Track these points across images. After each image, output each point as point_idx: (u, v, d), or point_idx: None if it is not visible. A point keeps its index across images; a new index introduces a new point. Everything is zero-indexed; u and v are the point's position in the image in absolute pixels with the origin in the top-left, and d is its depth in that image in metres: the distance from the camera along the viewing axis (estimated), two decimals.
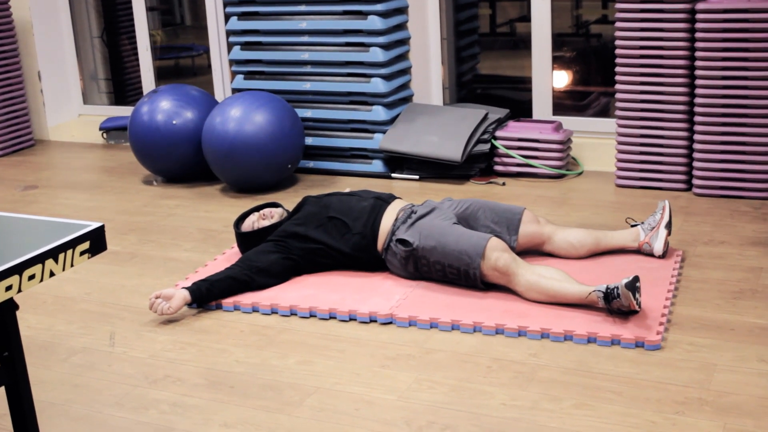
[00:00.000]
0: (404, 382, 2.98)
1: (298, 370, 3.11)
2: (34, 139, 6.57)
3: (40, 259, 2.20)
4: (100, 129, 6.47)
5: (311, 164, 5.46)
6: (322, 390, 2.96)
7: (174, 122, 5.20)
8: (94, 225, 2.37)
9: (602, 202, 4.66)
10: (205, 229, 4.55)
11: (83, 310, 3.69)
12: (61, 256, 2.25)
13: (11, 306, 2.31)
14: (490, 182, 5.05)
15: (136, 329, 3.48)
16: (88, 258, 2.35)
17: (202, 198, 5.08)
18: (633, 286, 3.17)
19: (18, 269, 2.14)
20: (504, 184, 5.02)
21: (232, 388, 3.01)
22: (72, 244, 2.28)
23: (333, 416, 2.81)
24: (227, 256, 4.09)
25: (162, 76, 7.10)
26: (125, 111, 6.62)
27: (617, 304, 3.23)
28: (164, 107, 5.26)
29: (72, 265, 2.30)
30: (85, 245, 2.32)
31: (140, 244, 4.41)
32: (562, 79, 5.90)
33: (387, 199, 3.88)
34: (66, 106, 6.77)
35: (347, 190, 4.24)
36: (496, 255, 3.49)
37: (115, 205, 5.10)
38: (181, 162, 5.28)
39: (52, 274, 2.25)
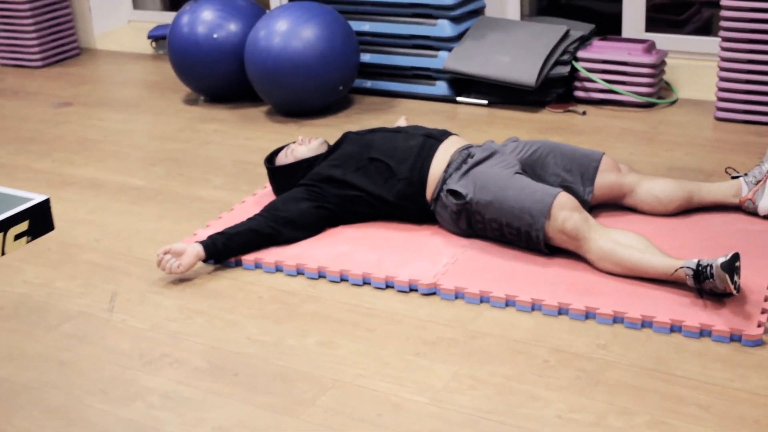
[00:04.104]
0: (441, 378, 2.46)
1: (317, 354, 2.61)
2: (80, 48, 6.10)
3: None
4: (149, 37, 5.97)
5: (368, 84, 4.88)
6: (341, 384, 2.46)
7: (215, 36, 4.66)
8: (38, 199, 1.88)
9: (698, 139, 3.98)
10: (241, 161, 4.05)
11: (88, 262, 3.24)
12: None
13: None
14: (568, 111, 4.40)
15: (142, 290, 3.02)
16: (27, 242, 1.86)
17: (244, 122, 4.56)
18: (731, 266, 2.56)
19: None
20: (584, 113, 4.37)
21: (236, 376, 2.53)
22: (2, 226, 1.79)
23: (348, 422, 2.31)
24: (258, 197, 3.59)
25: None
26: None
27: (710, 285, 2.63)
28: (206, 18, 4.72)
29: (3, 254, 1.81)
30: (23, 226, 1.83)
31: (167, 178, 3.93)
32: None
33: (439, 137, 3.30)
34: (114, 12, 6.26)
35: (404, 122, 3.71)
36: (564, 215, 2.90)
37: (150, 129, 4.62)
38: (223, 80, 4.75)
39: None
